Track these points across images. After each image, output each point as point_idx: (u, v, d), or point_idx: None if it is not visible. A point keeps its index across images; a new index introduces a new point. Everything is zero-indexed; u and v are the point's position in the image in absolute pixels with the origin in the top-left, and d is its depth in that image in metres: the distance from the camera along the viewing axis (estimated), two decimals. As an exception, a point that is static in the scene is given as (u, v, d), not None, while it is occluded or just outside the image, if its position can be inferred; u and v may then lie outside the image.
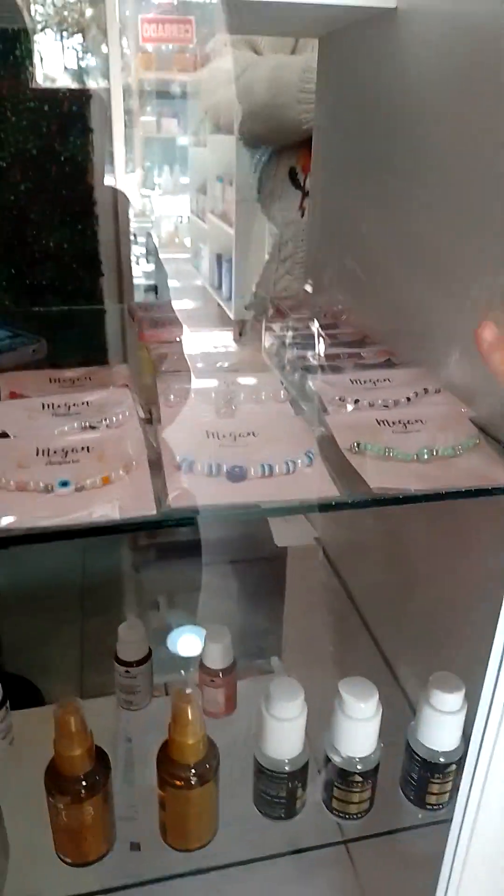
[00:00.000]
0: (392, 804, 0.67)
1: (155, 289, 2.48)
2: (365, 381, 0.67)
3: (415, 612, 0.75)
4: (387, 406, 0.61)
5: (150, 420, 0.60)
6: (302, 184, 1.59)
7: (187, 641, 1.59)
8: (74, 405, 0.60)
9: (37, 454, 0.52)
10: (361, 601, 0.90)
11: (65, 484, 0.47)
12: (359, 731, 0.61)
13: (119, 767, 0.88)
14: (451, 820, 0.63)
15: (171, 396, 0.61)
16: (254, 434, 0.55)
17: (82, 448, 0.52)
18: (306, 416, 0.61)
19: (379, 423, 0.58)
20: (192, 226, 4.90)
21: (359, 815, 0.64)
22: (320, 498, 0.48)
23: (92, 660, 1.70)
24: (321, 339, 0.81)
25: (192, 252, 5.04)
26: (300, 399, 0.65)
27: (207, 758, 0.60)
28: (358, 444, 0.53)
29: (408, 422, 0.58)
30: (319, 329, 0.84)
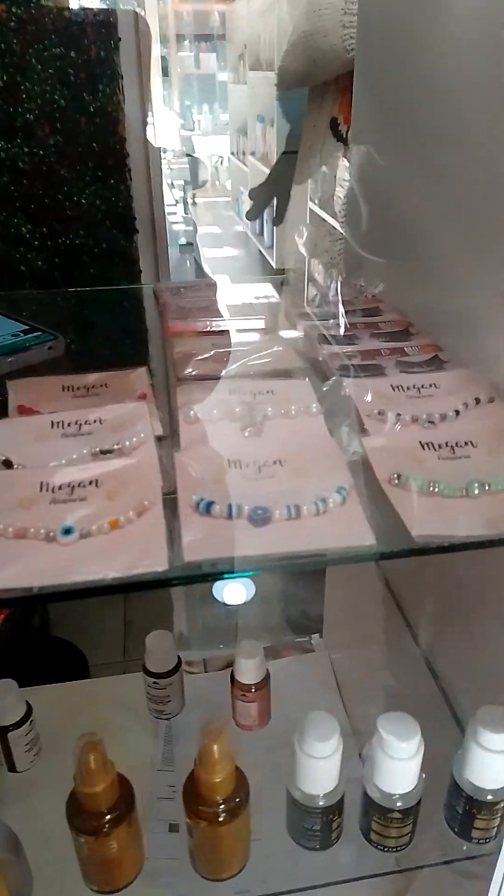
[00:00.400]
0: (435, 834, 0.63)
1: (190, 247, 2.39)
2: (408, 388, 0.60)
3: (470, 631, 0.69)
4: (432, 422, 0.54)
5: (172, 435, 0.55)
6: (344, 135, 1.47)
7: (234, 590, 1.57)
8: (87, 423, 0.55)
9: (41, 489, 0.47)
10: (412, 616, 0.84)
11: (68, 531, 0.43)
12: (399, 769, 0.57)
13: (160, 747, 0.87)
14: (498, 853, 0.59)
15: (192, 412, 0.56)
16: (281, 463, 0.49)
17: (91, 482, 0.48)
18: (340, 434, 0.54)
19: (423, 447, 0.51)
20: (233, 168, 4.70)
21: (398, 849, 0.61)
22: (353, 547, 0.43)
23: (135, 626, 1.71)
24: (359, 329, 0.74)
25: (233, 196, 4.85)
26: (335, 409, 0.58)
27: (237, 791, 0.57)
28: (398, 476, 0.47)
29: (456, 444, 0.51)
30: (359, 321, 0.76)
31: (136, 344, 0.85)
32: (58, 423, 0.55)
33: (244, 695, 0.71)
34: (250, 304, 0.86)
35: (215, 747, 0.54)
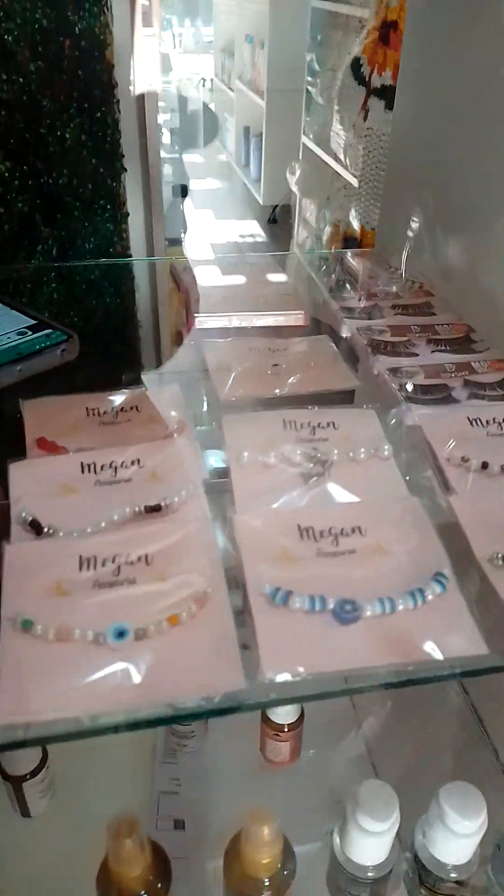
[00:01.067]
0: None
1: (183, 189, 2.22)
2: (487, 423, 0.52)
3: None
4: (525, 474, 0.47)
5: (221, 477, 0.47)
6: (367, 79, 1.33)
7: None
8: (124, 465, 0.47)
9: (80, 567, 0.39)
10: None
11: (121, 634, 0.36)
12: (459, 843, 0.52)
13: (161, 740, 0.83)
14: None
15: (244, 454, 0.48)
16: (361, 531, 0.42)
17: (139, 558, 0.40)
18: (419, 487, 0.47)
19: (523, 513, 0.44)
20: (217, 92, 4.39)
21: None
22: (468, 659, 0.36)
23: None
24: (414, 335, 0.66)
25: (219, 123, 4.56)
26: (407, 450, 0.51)
27: (283, 866, 0.53)
28: (502, 557, 0.40)
29: None
30: (412, 322, 0.67)
31: (153, 336, 0.76)
32: (89, 465, 0.47)
33: (277, 735, 0.66)
34: (278, 288, 0.77)
35: (266, 830, 0.49)
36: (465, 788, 0.52)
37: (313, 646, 0.36)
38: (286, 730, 0.66)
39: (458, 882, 0.54)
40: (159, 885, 0.52)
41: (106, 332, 0.78)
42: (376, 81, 1.30)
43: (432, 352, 0.63)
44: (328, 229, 1.46)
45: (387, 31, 1.22)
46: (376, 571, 0.40)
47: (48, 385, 0.59)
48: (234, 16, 3.24)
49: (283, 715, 0.65)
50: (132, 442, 0.49)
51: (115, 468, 0.47)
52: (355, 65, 1.38)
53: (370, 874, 0.54)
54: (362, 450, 0.48)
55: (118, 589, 0.38)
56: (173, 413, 0.54)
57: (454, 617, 0.37)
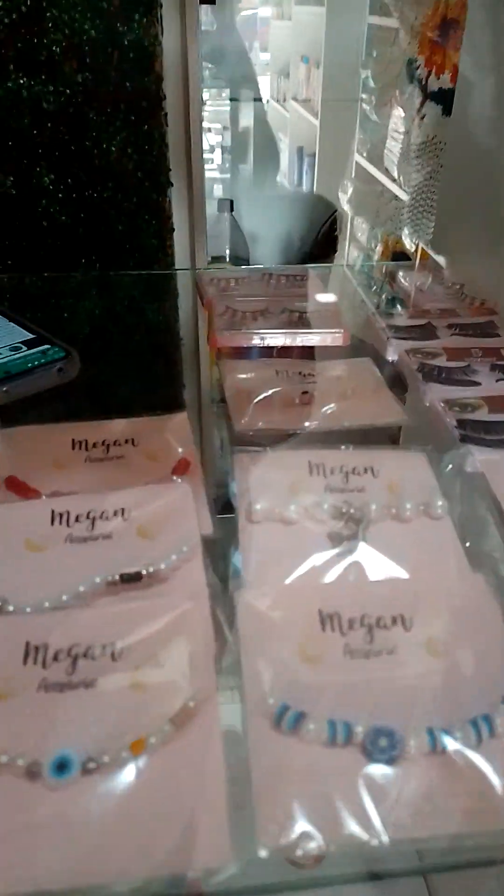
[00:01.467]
0: None
1: (231, 204, 2.16)
2: None
3: None
4: None
5: (228, 539, 0.37)
6: (423, 82, 1.22)
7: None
8: (103, 516, 0.37)
9: (25, 660, 0.30)
10: None
11: (63, 767, 0.25)
12: None
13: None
14: None
15: (257, 507, 0.37)
16: (404, 622, 0.31)
17: (104, 649, 0.30)
18: (482, 557, 0.36)
19: None
20: (272, 112, 4.40)
21: None
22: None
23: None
24: (476, 360, 0.55)
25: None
26: (465, 504, 0.39)
27: None
28: None
29: None
30: (473, 345, 0.56)
31: (171, 355, 0.67)
32: (61, 515, 0.37)
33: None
34: (317, 303, 0.67)
35: None
36: None
37: (333, 802, 0.25)
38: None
39: None
40: None
41: (115, 348, 0.70)
42: (433, 84, 1.19)
43: (497, 380, 0.52)
44: (379, 247, 1.36)
45: (446, 30, 1.12)
46: (425, 684, 0.29)
47: (43, 408, 0.51)
48: (289, 38, 3.27)
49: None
50: (121, 485, 0.40)
51: (94, 519, 0.37)
52: (410, 67, 1.27)
53: None
54: (408, 505, 0.37)
55: (71, 696, 0.28)
56: (179, 449, 0.44)
57: (537, 764, 0.26)
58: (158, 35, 1.11)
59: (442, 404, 0.48)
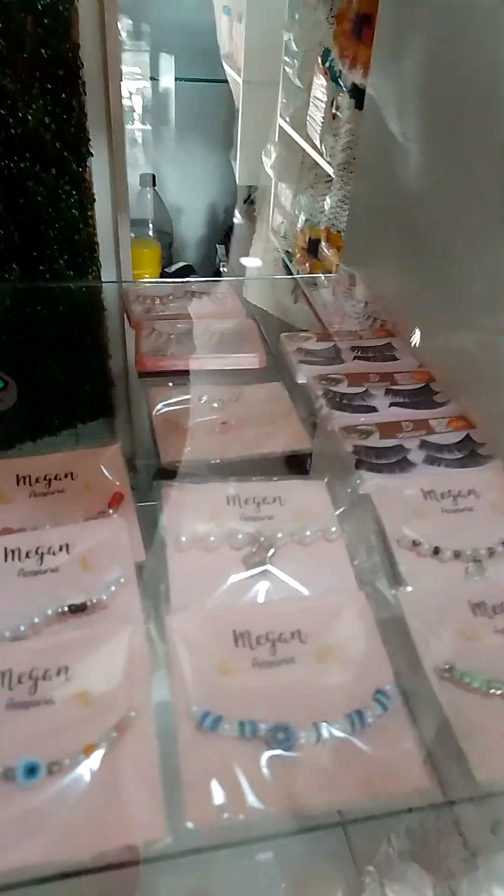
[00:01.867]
0: None
1: (153, 178, 2.15)
2: (442, 496, 0.50)
3: None
4: (479, 560, 0.45)
5: (157, 565, 0.44)
6: (337, 76, 1.27)
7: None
8: (50, 551, 0.43)
9: (-7, 684, 0.36)
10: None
11: (32, 771, 0.32)
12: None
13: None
14: None
15: (183, 538, 0.44)
16: (301, 637, 0.39)
17: (58, 671, 0.37)
18: (368, 574, 0.44)
19: (474, 612, 0.41)
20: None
21: None
22: (406, 793, 0.33)
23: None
24: (374, 384, 0.63)
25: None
26: (357, 527, 0.48)
27: None
28: (450, 669, 0.38)
29: (513, 606, 0.42)
30: (373, 370, 0.64)
31: (100, 378, 0.72)
32: (13, 552, 0.43)
33: None
34: (239, 321, 0.73)
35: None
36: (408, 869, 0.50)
37: (243, 783, 0.33)
38: None
39: None
40: None
41: (50, 370, 0.74)
42: (347, 78, 1.23)
43: (390, 405, 0.61)
44: (299, 228, 1.40)
45: (360, 25, 1.16)
46: (315, 686, 0.37)
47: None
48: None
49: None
50: (64, 519, 0.46)
51: (42, 555, 0.43)
52: (325, 56, 1.32)
53: None
54: (308, 532, 0.45)
55: (33, 712, 0.35)
56: (114, 481, 0.50)
57: (395, 744, 0.35)
58: (74, 1, 1.09)
59: (342, 432, 0.56)
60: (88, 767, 0.33)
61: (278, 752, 0.34)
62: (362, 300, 0.79)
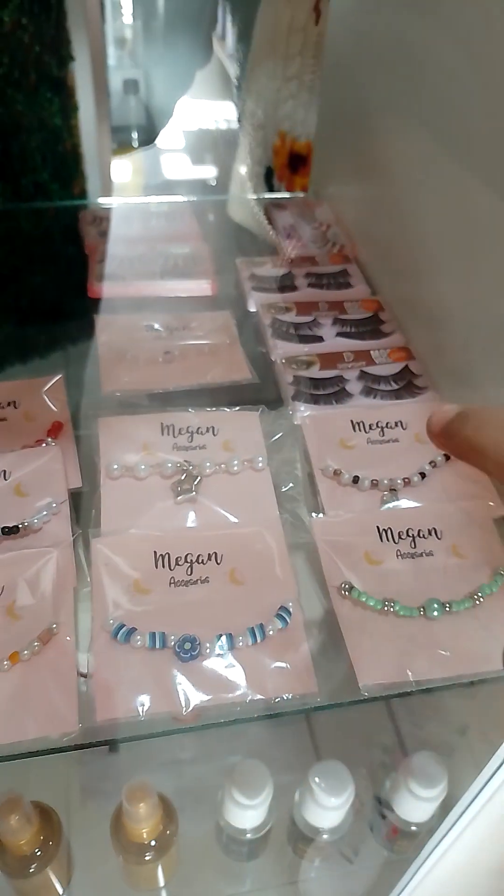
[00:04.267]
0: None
1: (135, 84, 2.04)
2: (371, 427, 0.52)
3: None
4: (394, 490, 0.47)
5: (91, 492, 0.47)
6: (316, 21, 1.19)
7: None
8: (-12, 478, 0.46)
9: None
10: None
11: (-41, 675, 0.36)
12: (329, 815, 0.56)
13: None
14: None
15: (115, 466, 0.47)
16: (217, 559, 0.42)
17: (-10, 588, 0.40)
18: (289, 501, 0.47)
19: (382, 537, 0.44)
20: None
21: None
22: (291, 700, 0.37)
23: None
24: (323, 314, 0.63)
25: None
26: (285, 454, 0.50)
27: (165, 827, 0.57)
28: (349, 588, 0.41)
29: (418, 533, 0.45)
30: (324, 297, 0.65)
31: (55, 303, 0.71)
32: (-50, 479, 0.46)
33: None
34: (191, 247, 0.72)
35: (141, 807, 0.53)
36: (333, 767, 0.56)
37: (150, 687, 0.37)
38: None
39: (330, 843, 0.59)
40: (50, 843, 0.56)
41: (31, 290, 0.74)
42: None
43: (337, 334, 0.62)
44: (276, 140, 1.35)
45: None
46: (225, 603, 0.40)
47: None
48: None
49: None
50: (3, 447, 0.48)
51: (-21, 483, 0.46)
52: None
53: (248, 836, 0.59)
54: (236, 461, 0.48)
55: (-35, 623, 0.39)
56: (53, 409, 0.52)
57: (289, 654, 0.39)
58: None
59: (283, 361, 0.58)
60: (14, 672, 0.37)
61: (185, 661, 0.38)
62: (324, 223, 0.78)
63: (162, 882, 0.63)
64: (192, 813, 0.62)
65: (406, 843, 0.62)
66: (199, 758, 0.76)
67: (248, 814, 0.56)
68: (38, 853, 0.55)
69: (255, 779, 0.55)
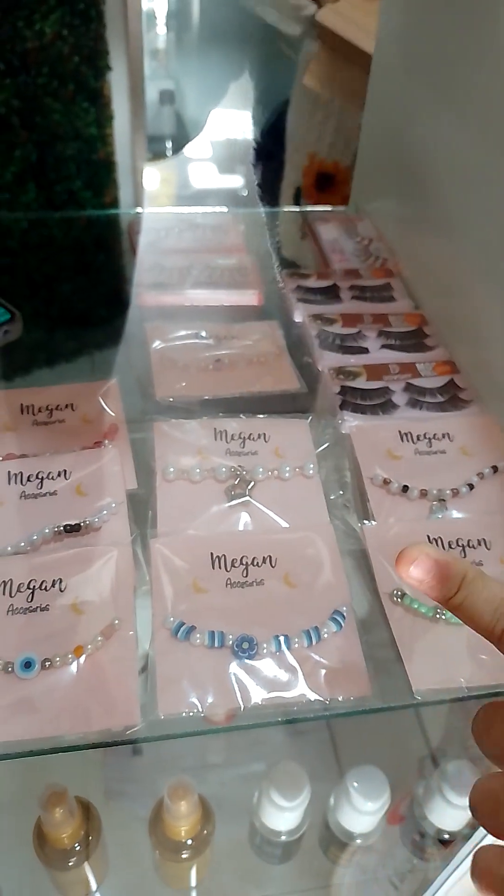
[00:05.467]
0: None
1: (171, 95, 2.07)
2: (418, 438, 0.53)
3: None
4: (443, 500, 0.48)
5: (147, 495, 0.48)
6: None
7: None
8: (50, 476, 0.48)
9: (-4, 592, 0.41)
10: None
11: (28, 665, 0.38)
12: (365, 819, 0.57)
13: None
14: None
15: (171, 469, 0.48)
16: (271, 562, 0.44)
17: (54, 583, 0.42)
18: (339, 509, 0.48)
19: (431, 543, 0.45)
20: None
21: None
22: (346, 702, 0.38)
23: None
24: (367, 326, 0.65)
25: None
26: (335, 463, 0.51)
27: (203, 827, 0.58)
28: (401, 595, 0.42)
29: (468, 543, 0.46)
30: (368, 310, 0.66)
31: (115, 306, 0.73)
32: (16, 476, 0.47)
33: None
34: (237, 259, 0.74)
35: (182, 804, 0.54)
36: (368, 772, 0.56)
37: (209, 684, 0.38)
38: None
39: (363, 847, 0.60)
40: (90, 839, 0.58)
41: (58, 301, 0.76)
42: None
43: (381, 346, 0.63)
44: (305, 161, 1.36)
45: None
46: (280, 605, 0.42)
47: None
48: None
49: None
50: (63, 447, 0.50)
51: (42, 479, 0.47)
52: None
53: (283, 838, 0.59)
54: (287, 468, 0.49)
55: (31, 616, 0.40)
56: (110, 412, 0.54)
57: (344, 658, 0.40)
58: None
59: (331, 372, 0.59)
60: (76, 664, 0.38)
61: (242, 660, 0.39)
62: (366, 238, 0.79)
63: (193, 882, 0.64)
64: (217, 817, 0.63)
65: (436, 850, 0.62)
66: (223, 765, 0.77)
67: (284, 815, 0.57)
68: (78, 847, 0.56)
69: (294, 781, 0.56)
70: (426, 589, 0.29)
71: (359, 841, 0.59)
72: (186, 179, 2.13)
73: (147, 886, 0.66)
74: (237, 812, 0.64)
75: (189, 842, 0.57)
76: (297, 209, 0.91)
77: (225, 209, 0.88)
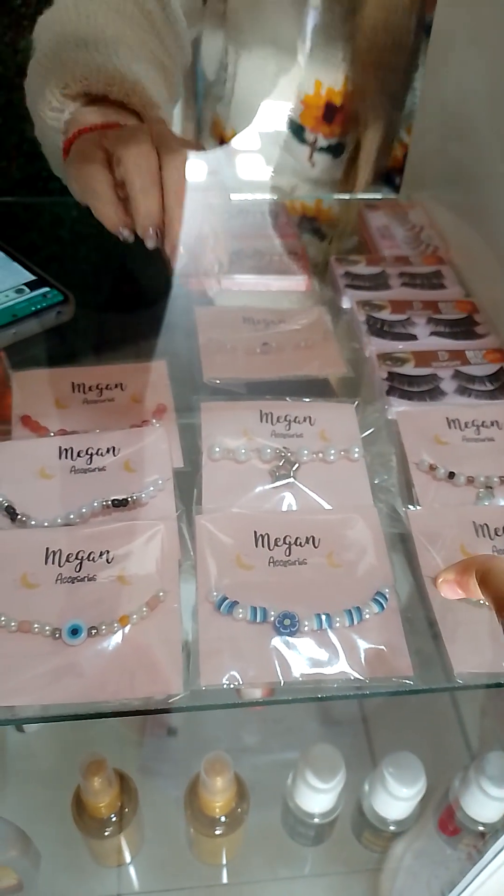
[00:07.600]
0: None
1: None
2: (466, 425, 0.52)
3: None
4: (490, 487, 0.48)
5: (193, 471, 0.49)
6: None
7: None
8: (99, 453, 0.49)
9: (46, 561, 0.42)
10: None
11: (75, 632, 0.39)
12: (400, 805, 0.57)
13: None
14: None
15: (217, 449, 0.49)
16: (314, 542, 0.44)
17: (101, 554, 0.43)
18: (385, 493, 0.48)
19: (478, 533, 0.45)
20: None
21: (386, 850, 0.64)
22: (387, 682, 0.38)
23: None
24: (417, 313, 0.64)
25: None
26: (380, 448, 0.51)
27: (237, 805, 0.59)
28: (446, 579, 0.42)
29: (515, 531, 0.45)
30: (418, 297, 0.65)
31: (154, 293, 0.74)
32: (67, 451, 0.49)
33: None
34: (285, 245, 0.74)
35: (218, 779, 0.55)
36: (404, 758, 0.56)
37: (251, 658, 0.39)
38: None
39: (396, 833, 0.60)
40: (126, 810, 0.59)
41: (108, 286, 0.77)
42: None
43: (430, 333, 0.62)
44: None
45: None
46: (322, 585, 0.42)
47: (39, 347, 0.61)
48: None
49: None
50: (112, 425, 0.51)
51: (91, 455, 0.48)
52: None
53: (316, 820, 0.60)
54: (332, 451, 0.49)
55: (79, 586, 0.41)
56: (158, 393, 0.55)
57: (386, 638, 0.40)
58: None
59: (378, 358, 0.59)
60: (122, 633, 0.39)
61: (283, 636, 0.39)
62: (418, 226, 0.78)
63: (224, 860, 0.65)
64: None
65: (472, 841, 0.61)
66: (257, 750, 0.77)
67: (319, 797, 0.57)
68: (114, 818, 0.58)
69: (330, 763, 0.56)
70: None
71: (392, 828, 0.59)
72: (230, 169, 2.13)
73: (178, 863, 0.67)
74: (270, 796, 0.65)
75: (223, 818, 0.58)
76: (346, 196, 0.90)
77: (273, 196, 0.88)
